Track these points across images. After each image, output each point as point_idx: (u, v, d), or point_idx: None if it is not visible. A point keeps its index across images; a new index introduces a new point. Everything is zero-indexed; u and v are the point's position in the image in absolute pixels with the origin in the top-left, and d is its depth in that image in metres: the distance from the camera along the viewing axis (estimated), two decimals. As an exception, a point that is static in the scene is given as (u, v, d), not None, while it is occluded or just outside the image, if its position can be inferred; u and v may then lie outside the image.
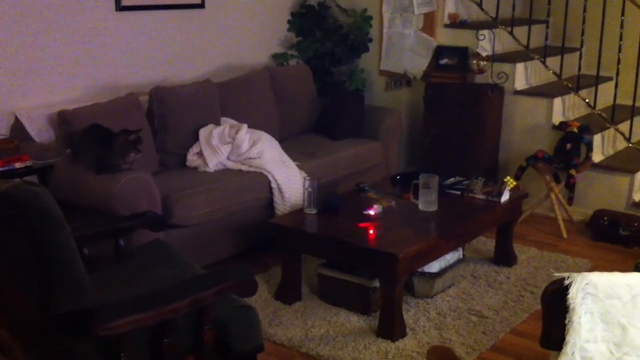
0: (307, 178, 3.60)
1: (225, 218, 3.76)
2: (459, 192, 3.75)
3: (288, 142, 4.45)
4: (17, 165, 3.32)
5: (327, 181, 4.16)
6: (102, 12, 4.11)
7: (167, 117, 4.02)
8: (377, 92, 5.34)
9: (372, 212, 3.42)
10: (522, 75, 4.84)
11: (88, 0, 4.02)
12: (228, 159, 4.04)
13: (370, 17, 5.19)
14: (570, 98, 4.81)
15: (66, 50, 3.96)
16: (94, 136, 3.44)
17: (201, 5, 4.64)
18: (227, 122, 4.23)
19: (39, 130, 3.70)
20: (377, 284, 3.21)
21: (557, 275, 1.80)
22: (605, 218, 4.26)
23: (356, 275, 3.29)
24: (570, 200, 4.39)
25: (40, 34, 3.82)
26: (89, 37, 4.06)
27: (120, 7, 4.18)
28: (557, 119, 4.69)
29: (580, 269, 3.79)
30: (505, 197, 3.68)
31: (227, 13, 4.84)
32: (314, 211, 3.49)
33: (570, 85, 4.73)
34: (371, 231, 3.24)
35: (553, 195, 4.35)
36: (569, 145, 4.36)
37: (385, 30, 5.21)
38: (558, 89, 4.76)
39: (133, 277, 2.62)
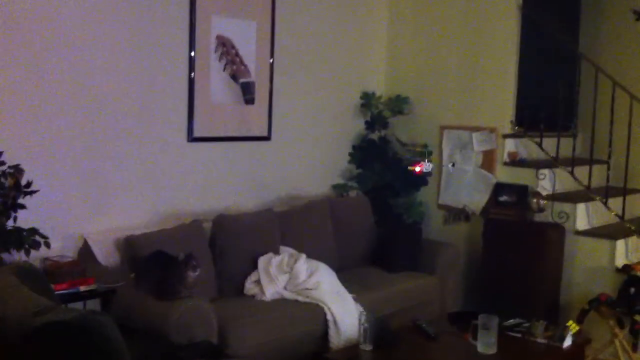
0: (364, 313, 3.59)
1: (278, 348, 3.74)
2: (519, 335, 3.66)
3: (345, 273, 4.46)
4: (82, 288, 3.43)
5: (382, 315, 4.11)
6: (175, 142, 4.33)
7: (229, 245, 4.11)
8: (435, 226, 5.36)
9: (417, 169, 4.95)
10: (583, 216, 4.80)
11: (162, 131, 4.26)
12: (285, 288, 4.07)
13: (431, 152, 5.31)
14: (633, 240, 4.73)
15: (136, 176, 4.15)
16: (156, 262, 3.54)
17: (267, 138, 4.85)
18: (286, 251, 4.30)
19: (106, 254, 3.82)
20: None
21: None
22: (674, 368, 4.06)
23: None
24: (635, 347, 4.21)
25: (113, 160, 4.03)
26: (160, 165, 4.26)
27: (191, 139, 4.40)
28: (620, 261, 4.59)
29: None
30: (567, 342, 3.57)
31: (291, 145, 5.03)
32: (369, 347, 3.45)
33: (633, 228, 4.67)
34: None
35: (617, 341, 4.18)
36: (632, 290, 4.24)
37: (444, 165, 5.30)
38: (621, 231, 4.70)
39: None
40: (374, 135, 5.45)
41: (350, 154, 5.42)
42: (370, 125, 5.44)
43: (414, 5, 5.52)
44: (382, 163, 5.37)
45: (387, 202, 5.31)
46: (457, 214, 5.28)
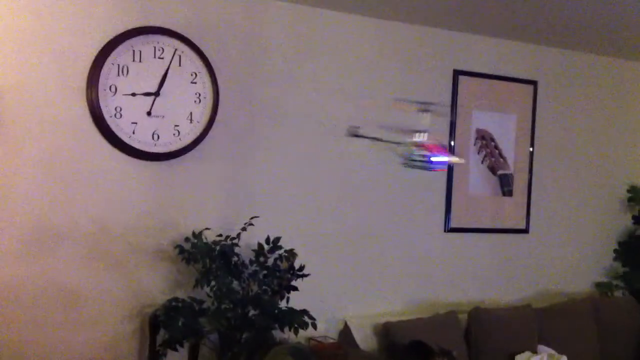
0: None
1: None
2: None
3: (610, 381, 4.14)
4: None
5: None
6: (432, 233, 4.42)
7: (484, 339, 4.03)
8: None
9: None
10: None
11: (421, 223, 4.38)
12: (544, 391, 3.87)
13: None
14: None
15: (396, 265, 4.29)
16: (415, 352, 3.57)
17: (525, 231, 4.74)
18: (545, 351, 4.10)
19: (364, 338, 3.94)
20: None
21: None
22: None
23: None
24: None
25: (375, 250, 4.23)
26: (418, 254, 4.37)
27: (448, 229, 4.46)
28: None
29: None
30: None
31: (550, 239, 4.86)
32: None
33: None
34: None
35: None
36: None
37: None
38: None
39: None
40: (643, 231, 5.07)
41: (615, 251, 5.08)
42: (638, 221, 5.07)
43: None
44: (652, 263, 4.95)
45: (658, 306, 4.86)
46: None
